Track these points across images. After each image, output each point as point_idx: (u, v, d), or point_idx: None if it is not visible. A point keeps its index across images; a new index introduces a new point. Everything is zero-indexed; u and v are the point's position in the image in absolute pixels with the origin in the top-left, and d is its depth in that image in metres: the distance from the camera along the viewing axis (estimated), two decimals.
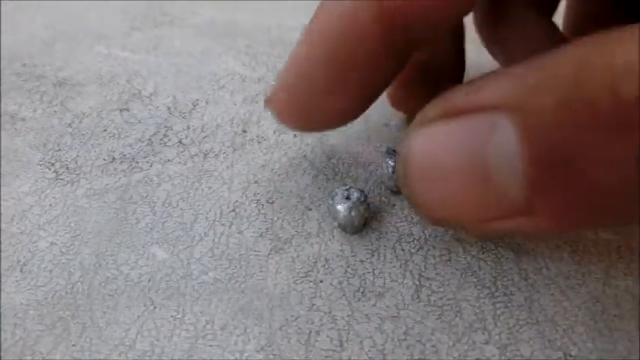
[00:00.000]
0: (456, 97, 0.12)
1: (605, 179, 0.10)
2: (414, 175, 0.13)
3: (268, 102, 0.16)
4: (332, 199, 0.16)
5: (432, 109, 0.12)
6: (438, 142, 0.12)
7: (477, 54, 0.21)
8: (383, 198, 0.17)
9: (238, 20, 0.28)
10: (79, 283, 0.14)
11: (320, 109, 0.15)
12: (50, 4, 0.29)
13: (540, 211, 0.11)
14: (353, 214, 0.15)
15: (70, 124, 0.20)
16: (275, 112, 0.16)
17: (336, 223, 0.16)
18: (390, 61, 0.14)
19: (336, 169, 0.18)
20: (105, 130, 0.20)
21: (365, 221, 0.16)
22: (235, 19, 0.28)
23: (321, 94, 0.15)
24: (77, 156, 0.18)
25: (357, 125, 0.20)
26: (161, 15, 0.28)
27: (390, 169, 0.16)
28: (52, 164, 0.18)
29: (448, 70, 0.19)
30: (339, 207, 0.15)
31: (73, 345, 0.13)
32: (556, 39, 0.19)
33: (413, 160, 0.12)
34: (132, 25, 0.27)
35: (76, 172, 0.18)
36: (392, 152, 0.17)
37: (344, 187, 0.16)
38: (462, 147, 0.11)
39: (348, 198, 0.15)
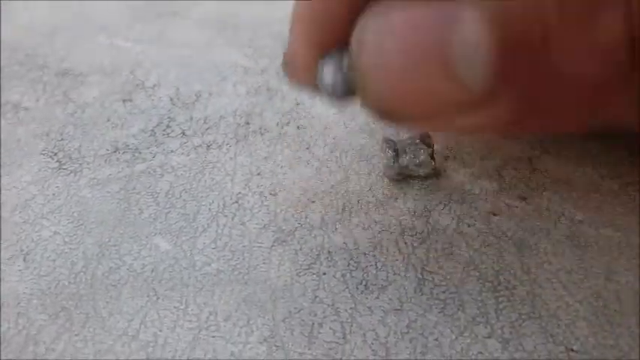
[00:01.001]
0: None
1: (569, 68, 0.10)
2: (369, 64, 0.11)
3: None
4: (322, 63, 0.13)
5: None
6: (396, 28, 0.11)
7: None
8: (385, 191, 0.17)
9: (240, 13, 0.28)
10: (82, 273, 0.14)
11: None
12: None
13: (502, 102, 0.11)
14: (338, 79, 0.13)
15: (72, 114, 0.20)
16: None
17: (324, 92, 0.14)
18: None
19: (339, 162, 0.18)
20: (108, 121, 0.20)
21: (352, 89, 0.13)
22: (237, 12, 0.28)
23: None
24: (80, 146, 0.18)
25: (360, 118, 0.20)
26: (163, 6, 0.28)
27: (391, 158, 0.16)
28: (55, 154, 0.18)
29: None
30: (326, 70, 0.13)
31: (76, 335, 0.13)
32: None
33: (369, 46, 0.11)
34: (134, 16, 0.27)
35: (79, 162, 0.18)
36: (390, 142, 0.17)
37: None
38: (424, 35, 0.11)
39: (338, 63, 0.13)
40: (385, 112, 0.12)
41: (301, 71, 0.14)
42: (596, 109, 0.11)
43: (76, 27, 0.26)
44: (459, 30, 0.10)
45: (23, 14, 0.27)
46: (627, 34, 0.10)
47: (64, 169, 0.17)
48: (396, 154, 0.17)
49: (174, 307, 0.13)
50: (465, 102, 0.11)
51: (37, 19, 0.26)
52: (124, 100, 0.21)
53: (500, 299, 0.14)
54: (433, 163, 0.17)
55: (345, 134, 0.19)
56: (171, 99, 0.21)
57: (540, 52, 0.10)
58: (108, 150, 0.18)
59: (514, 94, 0.11)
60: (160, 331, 0.13)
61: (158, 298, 0.14)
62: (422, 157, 0.17)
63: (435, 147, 0.18)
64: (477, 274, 0.14)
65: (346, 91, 0.13)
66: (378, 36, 0.11)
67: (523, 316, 0.13)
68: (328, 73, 0.13)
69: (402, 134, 0.18)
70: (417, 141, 0.17)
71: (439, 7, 0.10)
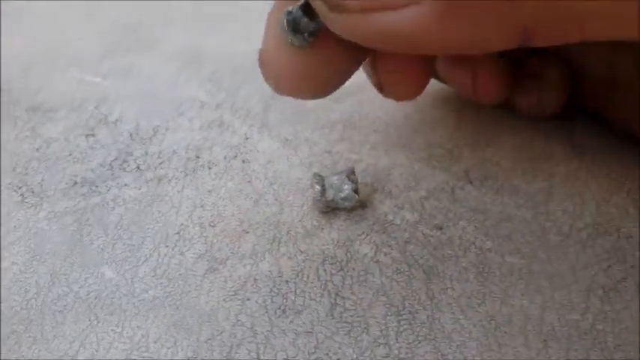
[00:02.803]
0: None
1: None
2: None
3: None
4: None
5: None
6: None
7: None
8: (314, 222, 0.19)
9: (207, 46, 0.29)
10: (34, 300, 0.16)
11: None
12: (31, 25, 0.31)
13: None
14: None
15: (38, 149, 0.22)
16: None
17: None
18: None
19: (276, 195, 0.20)
20: (70, 155, 0.21)
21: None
22: (204, 45, 0.29)
23: None
24: (42, 180, 0.20)
25: (301, 152, 0.21)
26: (134, 40, 0.30)
27: (319, 193, 0.18)
28: (19, 187, 0.20)
29: None
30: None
31: (23, 356, 0.14)
32: None
33: None
34: (106, 50, 0.29)
35: (40, 196, 0.19)
36: (318, 177, 0.18)
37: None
38: None
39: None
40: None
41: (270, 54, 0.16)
42: (513, 4, 0.13)
43: (51, 60, 0.28)
44: None
45: (2, 47, 0.29)
46: None
47: (26, 202, 0.19)
48: (323, 188, 0.18)
49: (112, 330, 0.15)
50: None
51: (14, 51, 0.28)
52: (86, 135, 0.22)
53: (402, 322, 0.16)
54: (357, 197, 0.18)
55: (285, 167, 0.21)
56: (131, 134, 0.23)
57: None
58: (67, 184, 0.20)
59: None
60: (97, 351, 0.15)
61: (98, 322, 0.15)
62: (346, 192, 0.18)
63: (365, 179, 0.20)
64: (385, 299, 0.16)
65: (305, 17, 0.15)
66: None
67: (420, 338, 0.15)
68: (288, 12, 0.15)
69: (332, 170, 0.20)
70: (344, 177, 0.19)
71: None
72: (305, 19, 0.15)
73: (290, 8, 0.15)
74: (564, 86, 0.21)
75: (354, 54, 0.16)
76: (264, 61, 0.16)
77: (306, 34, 0.15)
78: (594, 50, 0.20)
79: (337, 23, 0.14)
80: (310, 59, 0.16)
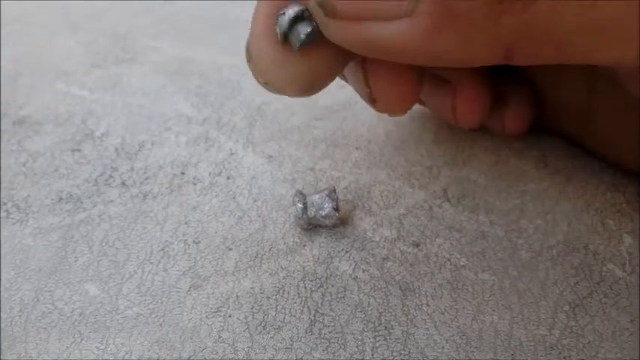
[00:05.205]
0: None
1: None
2: None
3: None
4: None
5: None
6: None
7: None
8: (296, 239, 0.19)
9: (194, 58, 0.30)
10: (18, 317, 0.16)
11: None
12: (17, 37, 0.31)
13: (422, 11, 0.13)
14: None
15: (24, 164, 0.22)
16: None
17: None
18: None
19: (260, 211, 0.20)
20: (56, 171, 0.22)
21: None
22: (191, 57, 0.30)
23: None
24: (28, 195, 0.20)
25: (285, 169, 0.22)
26: (123, 51, 0.30)
27: (300, 210, 0.19)
28: (5, 203, 0.20)
29: None
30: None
31: None
32: None
33: None
34: (93, 62, 0.29)
35: (26, 212, 0.20)
36: (300, 195, 0.19)
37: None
38: None
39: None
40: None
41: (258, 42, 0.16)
42: (496, 22, 0.13)
43: (38, 72, 0.28)
44: None
45: None
46: None
47: (12, 218, 0.19)
48: (305, 206, 0.19)
49: (96, 347, 0.16)
50: (391, 7, 0.13)
51: (1, 64, 0.28)
52: (72, 150, 0.23)
53: (378, 338, 0.16)
54: (337, 215, 0.19)
55: (269, 184, 0.21)
56: (117, 149, 0.23)
57: None
58: (53, 199, 0.20)
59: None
60: None
61: (82, 339, 0.16)
62: (327, 210, 0.19)
63: (346, 197, 0.21)
64: (362, 315, 0.17)
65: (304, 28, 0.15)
66: None
67: (394, 354, 0.16)
68: (287, 18, 0.15)
69: (315, 187, 0.21)
70: (325, 195, 0.19)
71: None
72: (302, 24, 0.15)
73: (285, 11, 0.15)
74: (528, 111, 0.22)
75: (345, 57, 0.16)
76: (252, 55, 0.16)
77: (302, 35, 0.15)
78: (571, 77, 0.21)
79: (331, 29, 0.14)
80: (300, 59, 0.16)
